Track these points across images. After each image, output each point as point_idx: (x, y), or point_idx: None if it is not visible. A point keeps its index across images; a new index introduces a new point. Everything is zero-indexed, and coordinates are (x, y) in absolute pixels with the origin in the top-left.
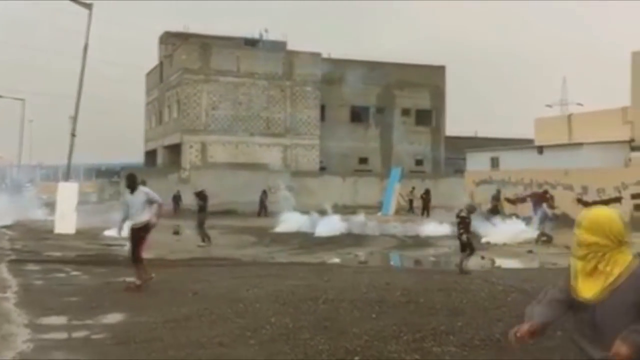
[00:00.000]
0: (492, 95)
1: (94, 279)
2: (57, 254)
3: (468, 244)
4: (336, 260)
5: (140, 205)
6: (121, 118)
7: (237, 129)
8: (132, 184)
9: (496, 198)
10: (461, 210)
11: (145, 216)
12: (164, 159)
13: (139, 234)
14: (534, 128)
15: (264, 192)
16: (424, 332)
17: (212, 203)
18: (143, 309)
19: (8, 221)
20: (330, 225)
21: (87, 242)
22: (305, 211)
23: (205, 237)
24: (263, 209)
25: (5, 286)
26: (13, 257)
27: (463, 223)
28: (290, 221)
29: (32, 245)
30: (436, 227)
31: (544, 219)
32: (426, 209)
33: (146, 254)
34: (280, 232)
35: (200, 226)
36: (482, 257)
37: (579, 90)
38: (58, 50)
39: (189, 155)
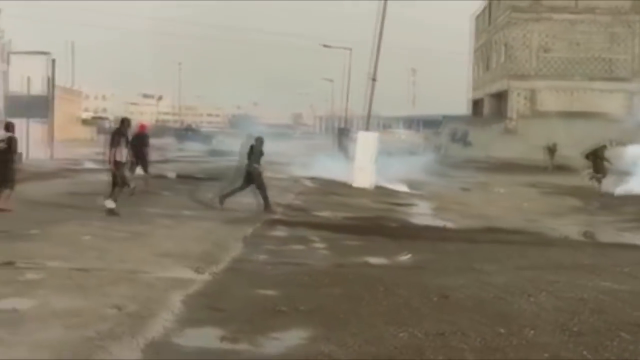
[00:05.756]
0: None
1: (330, 257)
2: (325, 213)
3: None
4: None
5: None
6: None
7: (572, 73)
8: None
9: None
10: None
11: None
12: (489, 108)
13: None
14: None
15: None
16: None
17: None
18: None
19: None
20: None
21: (374, 200)
22: None
23: None
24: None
25: (213, 261)
26: (275, 216)
27: None
28: None
29: (313, 200)
30: None
31: None
32: None
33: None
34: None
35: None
36: None
37: None
38: None
39: (516, 104)
